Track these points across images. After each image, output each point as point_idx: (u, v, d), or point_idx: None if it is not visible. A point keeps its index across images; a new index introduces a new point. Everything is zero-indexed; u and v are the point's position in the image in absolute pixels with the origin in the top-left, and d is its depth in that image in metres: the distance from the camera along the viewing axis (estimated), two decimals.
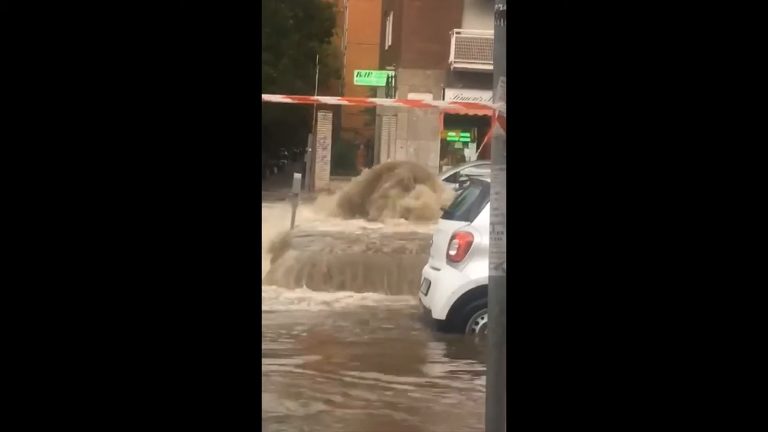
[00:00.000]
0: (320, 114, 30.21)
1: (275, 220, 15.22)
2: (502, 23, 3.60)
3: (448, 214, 9.81)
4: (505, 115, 3.62)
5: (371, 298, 11.05)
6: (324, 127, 30.04)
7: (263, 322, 8.43)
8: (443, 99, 28.11)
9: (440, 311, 8.58)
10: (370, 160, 31.99)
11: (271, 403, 5.92)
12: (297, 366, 7.56)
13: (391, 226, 14.15)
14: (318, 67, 38.00)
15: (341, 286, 11.46)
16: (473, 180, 10.88)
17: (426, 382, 7.17)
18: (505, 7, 3.57)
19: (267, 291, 10.89)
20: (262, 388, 2.96)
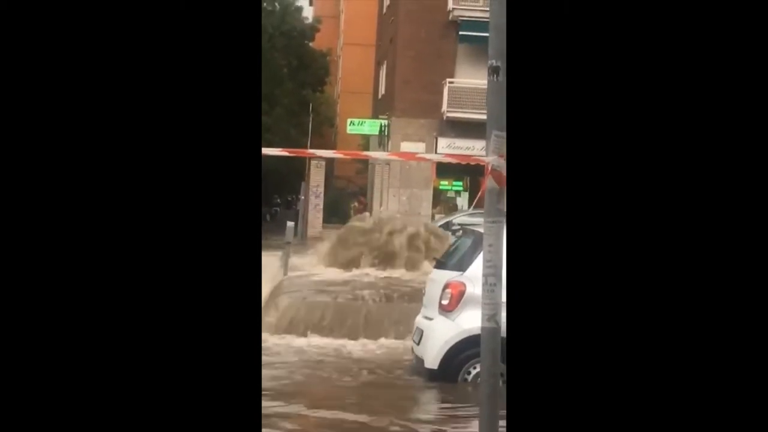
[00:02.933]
0: (313, 162, 30.32)
1: (268, 268, 15.22)
2: (495, 78, 3.66)
3: (441, 263, 9.83)
4: (498, 168, 3.66)
5: (362, 346, 11.02)
6: (317, 176, 30.14)
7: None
8: (436, 148, 28.24)
9: (432, 361, 8.56)
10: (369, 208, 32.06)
11: None
12: (285, 414, 7.53)
13: (384, 273, 14.14)
14: (311, 115, 38.22)
15: (332, 334, 11.43)
16: (466, 229, 10.91)
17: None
18: (497, 63, 3.63)
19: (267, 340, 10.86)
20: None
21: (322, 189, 30.09)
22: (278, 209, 49.16)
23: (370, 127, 32.74)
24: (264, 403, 7.24)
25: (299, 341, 11.15)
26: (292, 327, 11.63)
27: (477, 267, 6.53)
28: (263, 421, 6.45)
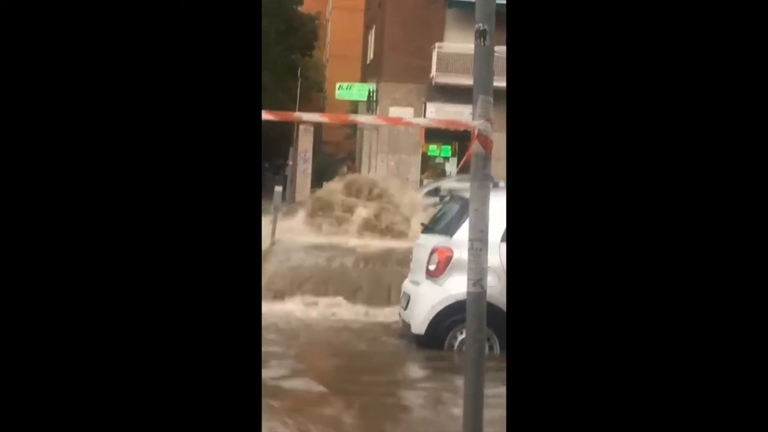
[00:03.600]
0: (302, 128, 30.22)
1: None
2: (483, 42, 3.62)
3: (428, 228, 9.82)
4: (485, 132, 3.64)
5: (351, 310, 11.04)
6: (305, 141, 30.04)
7: None
8: (424, 112, 28.18)
9: (419, 326, 8.57)
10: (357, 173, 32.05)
11: None
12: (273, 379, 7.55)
13: (373, 240, 14.16)
14: (300, 80, 38.04)
15: (318, 298, 11.45)
16: (454, 195, 10.90)
17: (401, 401, 7.18)
18: (484, 27, 3.59)
19: None
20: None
21: (310, 154, 30.00)
22: (266, 174, 49.07)
23: (358, 92, 32.63)
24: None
25: (287, 306, 11.16)
26: (280, 292, 11.63)
27: (464, 232, 6.53)
28: None
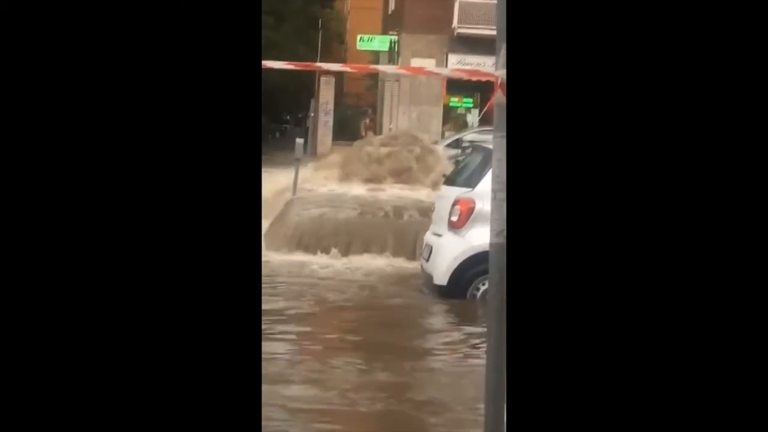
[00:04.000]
0: (323, 79, 30.10)
1: (277, 183, 15.22)
2: None
3: (450, 180, 9.81)
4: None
5: (372, 262, 11.07)
6: (326, 93, 29.93)
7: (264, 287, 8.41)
8: (446, 64, 27.99)
9: (441, 277, 8.60)
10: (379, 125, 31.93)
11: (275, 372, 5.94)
12: (299, 334, 7.60)
13: (394, 190, 14.15)
14: (320, 31, 37.83)
15: (342, 250, 11.48)
16: (476, 146, 10.87)
17: (426, 348, 7.22)
18: None
19: (267, 255, 10.92)
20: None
21: (331, 106, 29.90)
22: (287, 126, 49.06)
23: (380, 43, 32.44)
24: (272, 326, 7.33)
25: (309, 258, 11.21)
26: (302, 244, 11.67)
27: (486, 183, 6.51)
28: (269, 343, 6.54)
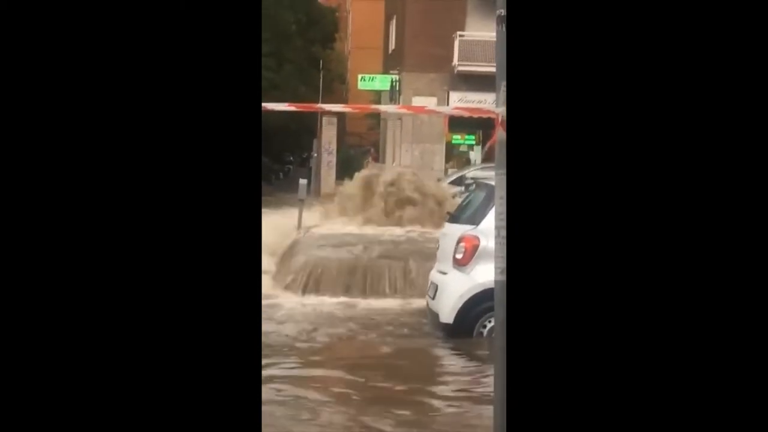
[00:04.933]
0: (325, 119, 30.22)
1: (281, 224, 15.23)
2: (504, 28, 3.59)
3: (454, 217, 9.80)
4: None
5: (377, 301, 11.04)
6: (329, 133, 30.03)
7: (268, 329, 8.41)
8: (448, 102, 28.10)
9: (448, 315, 8.57)
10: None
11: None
12: (302, 376, 7.56)
13: (397, 228, 14.14)
14: (322, 72, 38.02)
15: (346, 291, 11.45)
16: (479, 183, 10.87)
17: (433, 388, 7.18)
18: (506, 13, 3.56)
19: (273, 297, 10.91)
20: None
21: (334, 146, 30.00)
22: (291, 167, 49.15)
23: (381, 82, 32.58)
24: (279, 363, 7.30)
25: (313, 299, 11.18)
26: (307, 285, 11.65)
27: (490, 221, 6.50)
28: (269, 384, 6.50)
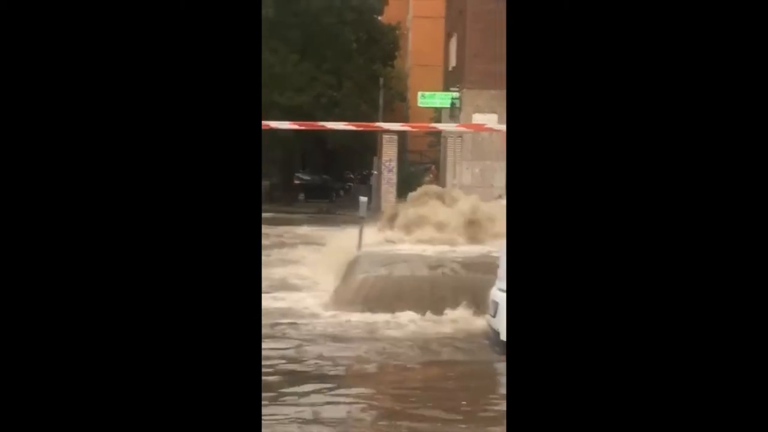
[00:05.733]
0: (385, 137, 30.27)
1: (341, 242, 15.28)
2: None
3: None
4: None
5: (436, 320, 11.00)
6: (389, 150, 30.05)
7: (327, 347, 8.46)
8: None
9: None
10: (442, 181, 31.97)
11: None
12: (358, 396, 7.56)
13: (458, 246, 14.09)
14: (382, 89, 38.15)
15: (406, 308, 11.42)
16: None
17: (497, 408, 7.13)
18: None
19: (333, 314, 10.94)
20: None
21: (394, 163, 30.00)
22: (351, 185, 49.40)
23: (441, 99, 32.56)
24: (334, 388, 7.31)
25: (373, 317, 11.18)
26: (367, 302, 11.66)
27: None
28: (333, 407, 6.50)
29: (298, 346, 9.14)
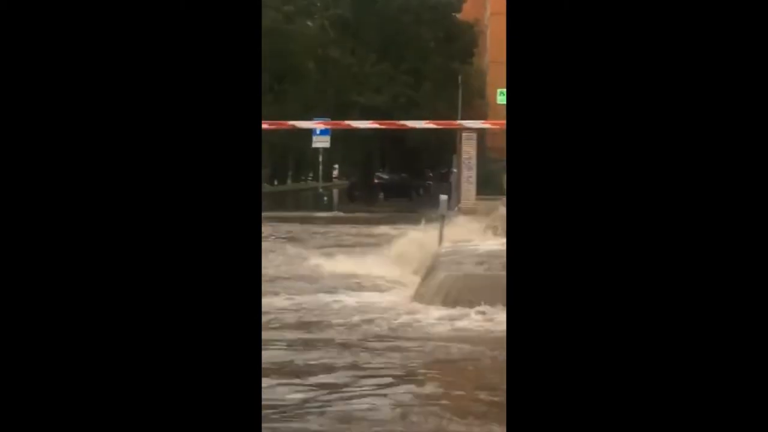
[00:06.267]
0: (464, 135, 30.21)
1: (422, 240, 15.29)
2: None
3: None
4: None
5: None
6: (468, 148, 29.99)
7: (408, 345, 8.46)
8: None
9: None
10: None
11: None
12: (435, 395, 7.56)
13: None
14: (460, 87, 38.08)
15: (488, 306, 11.37)
16: None
17: None
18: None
19: (414, 313, 10.95)
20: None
21: (474, 161, 29.93)
22: (431, 183, 49.35)
23: None
24: (412, 388, 7.32)
25: (456, 313, 11.15)
26: (448, 300, 11.64)
27: None
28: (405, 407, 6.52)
29: (395, 345, 9.09)
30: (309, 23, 46.05)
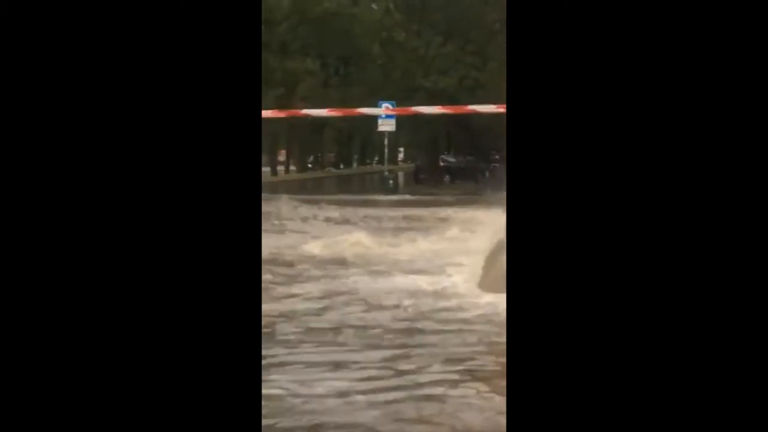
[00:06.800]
0: None
1: (488, 223, 15.26)
2: None
3: None
4: None
5: None
6: None
7: (463, 328, 8.40)
8: None
9: None
10: None
11: None
12: None
13: None
14: None
15: None
16: None
17: None
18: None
19: (476, 296, 10.95)
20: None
21: None
22: (497, 165, 49.20)
23: None
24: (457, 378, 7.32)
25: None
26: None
27: None
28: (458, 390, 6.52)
29: (458, 330, 9.10)
30: (374, 6, 46.11)
